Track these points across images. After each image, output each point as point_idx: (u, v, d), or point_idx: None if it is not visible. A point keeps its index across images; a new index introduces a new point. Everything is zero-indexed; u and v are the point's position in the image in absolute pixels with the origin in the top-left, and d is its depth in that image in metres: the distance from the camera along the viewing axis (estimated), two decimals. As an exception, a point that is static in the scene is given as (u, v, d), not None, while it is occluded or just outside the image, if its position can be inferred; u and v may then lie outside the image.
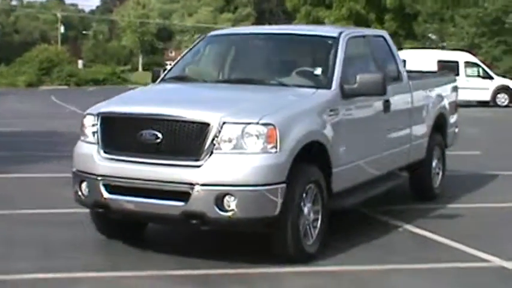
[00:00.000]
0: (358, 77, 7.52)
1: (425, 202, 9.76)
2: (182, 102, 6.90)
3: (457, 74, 26.18)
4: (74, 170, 7.20)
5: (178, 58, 8.47)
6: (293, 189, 6.62)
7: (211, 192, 6.38)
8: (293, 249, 6.75)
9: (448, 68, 24.46)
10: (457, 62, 30.82)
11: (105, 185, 6.78)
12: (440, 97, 10.22)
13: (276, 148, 6.49)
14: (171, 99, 7.16)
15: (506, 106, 31.61)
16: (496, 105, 31.76)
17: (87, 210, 7.38)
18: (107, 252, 7.33)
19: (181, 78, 8.19)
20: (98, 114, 6.98)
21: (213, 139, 6.44)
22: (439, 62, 29.64)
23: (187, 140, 6.51)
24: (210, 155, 6.44)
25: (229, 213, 6.39)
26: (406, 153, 9.15)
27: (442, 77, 11.32)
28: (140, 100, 7.38)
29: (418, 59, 29.44)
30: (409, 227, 8.43)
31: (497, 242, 7.92)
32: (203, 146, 6.44)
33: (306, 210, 6.84)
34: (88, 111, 7.23)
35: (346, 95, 7.54)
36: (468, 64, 31.20)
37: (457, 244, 7.67)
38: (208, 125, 6.46)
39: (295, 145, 6.67)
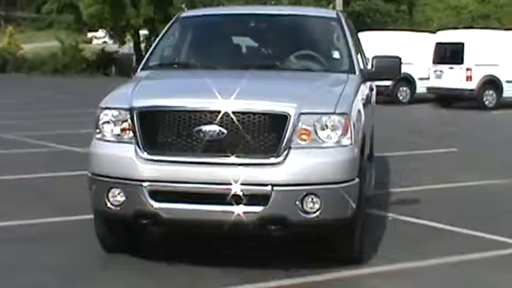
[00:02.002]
0: (375, 60, 7.09)
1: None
2: (244, 93, 5.94)
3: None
4: (92, 174, 6.00)
5: (157, 41, 7.38)
6: (361, 184, 6.05)
7: (295, 193, 5.61)
8: (357, 250, 6.19)
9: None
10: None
11: (151, 192, 5.70)
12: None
13: (351, 139, 5.86)
14: (224, 89, 5.92)
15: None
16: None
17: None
18: (141, 272, 6.13)
19: (181, 65, 7.22)
20: (131, 109, 5.83)
21: (291, 133, 5.66)
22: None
23: (260, 135, 5.65)
24: (289, 151, 5.65)
25: (314, 215, 5.66)
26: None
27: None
28: (185, 91, 6.19)
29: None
30: (394, 215, 8.15)
31: (497, 222, 7.92)
32: (281, 141, 5.63)
33: (361, 207, 6.29)
34: (107, 104, 6.03)
35: (364, 79, 7.08)
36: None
37: (467, 230, 7.52)
38: (286, 117, 5.66)
39: (360, 136, 6.11)
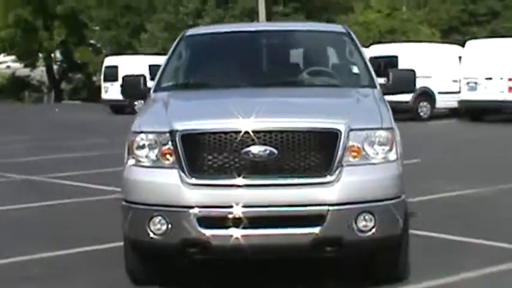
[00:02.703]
0: (391, 74, 7.01)
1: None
2: (289, 111, 5.73)
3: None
4: (128, 201, 5.64)
5: (165, 62, 7.04)
6: (406, 200, 5.93)
7: (350, 212, 5.42)
8: (402, 268, 6.05)
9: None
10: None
11: (200, 219, 5.40)
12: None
13: (396, 154, 5.75)
14: (268, 108, 5.71)
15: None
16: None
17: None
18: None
19: (199, 85, 6.92)
20: (172, 132, 5.53)
21: (343, 150, 5.48)
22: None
23: (310, 154, 5.45)
24: (341, 169, 5.47)
25: (369, 233, 5.48)
26: None
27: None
28: (228, 112, 5.70)
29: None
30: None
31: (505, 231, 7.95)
32: (334, 159, 5.44)
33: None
34: (142, 128, 5.70)
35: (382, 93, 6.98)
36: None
37: (479, 240, 7.50)
38: (337, 134, 5.47)
39: (401, 151, 5.99)
